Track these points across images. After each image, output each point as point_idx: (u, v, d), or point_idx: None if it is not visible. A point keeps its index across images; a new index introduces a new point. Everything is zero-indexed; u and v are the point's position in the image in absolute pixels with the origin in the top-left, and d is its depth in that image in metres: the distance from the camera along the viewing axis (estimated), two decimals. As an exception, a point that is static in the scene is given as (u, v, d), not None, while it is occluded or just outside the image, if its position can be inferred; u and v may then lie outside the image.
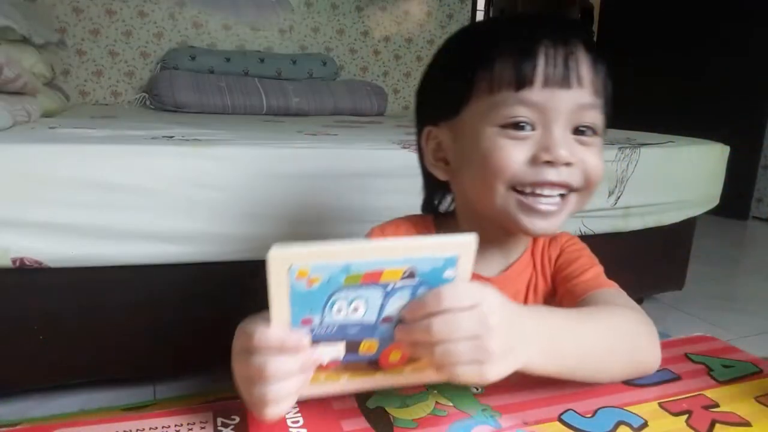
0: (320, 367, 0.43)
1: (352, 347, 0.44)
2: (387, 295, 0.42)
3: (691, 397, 0.51)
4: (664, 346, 0.61)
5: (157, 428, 0.44)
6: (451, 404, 0.48)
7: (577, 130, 0.58)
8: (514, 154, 0.56)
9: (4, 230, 0.96)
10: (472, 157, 0.59)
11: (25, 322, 1.06)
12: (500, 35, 0.59)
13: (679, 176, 1.61)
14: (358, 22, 3.21)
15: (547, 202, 0.58)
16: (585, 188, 0.61)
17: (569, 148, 0.56)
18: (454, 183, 0.66)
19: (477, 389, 0.51)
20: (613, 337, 0.53)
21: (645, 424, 0.46)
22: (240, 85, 2.66)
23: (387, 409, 0.47)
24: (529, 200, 0.57)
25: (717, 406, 0.49)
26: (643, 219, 1.57)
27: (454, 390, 0.51)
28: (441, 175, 0.66)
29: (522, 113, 0.56)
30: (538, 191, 0.57)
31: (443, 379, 0.44)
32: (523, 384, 0.52)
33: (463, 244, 0.41)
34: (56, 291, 1.07)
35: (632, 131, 1.90)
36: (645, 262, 1.64)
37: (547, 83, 0.55)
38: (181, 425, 0.44)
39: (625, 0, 3.97)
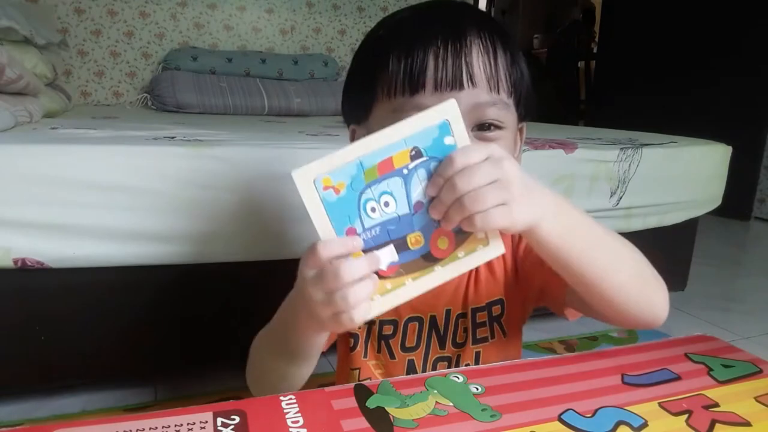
0: (382, 276, 0.47)
1: (401, 246, 0.47)
2: (406, 180, 0.46)
3: (691, 397, 0.51)
4: (664, 346, 0.61)
5: (157, 428, 0.44)
6: (451, 404, 0.48)
7: (482, 126, 0.58)
8: None
9: (6, 230, 0.96)
10: None
11: (26, 323, 1.07)
12: (394, 38, 0.59)
13: (681, 177, 1.61)
14: (360, 22, 3.21)
15: None
16: None
17: None
18: None
19: (477, 389, 0.51)
20: (622, 246, 0.55)
21: (645, 424, 0.46)
22: (241, 85, 2.67)
23: (387, 409, 0.47)
24: None
25: (717, 406, 0.49)
26: (645, 219, 1.57)
27: (454, 390, 0.51)
28: None
29: None
30: None
31: (497, 248, 0.48)
32: (523, 384, 0.52)
33: (446, 107, 0.45)
34: (57, 291, 1.07)
35: (634, 131, 1.90)
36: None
37: (438, 87, 0.56)
38: (181, 425, 0.44)
39: (626, 0, 3.97)
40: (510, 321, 0.71)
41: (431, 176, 0.46)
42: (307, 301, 0.46)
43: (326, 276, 0.44)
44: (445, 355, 0.69)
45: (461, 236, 0.49)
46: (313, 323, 0.49)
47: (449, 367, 0.69)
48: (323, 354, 0.76)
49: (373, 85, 0.59)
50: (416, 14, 0.61)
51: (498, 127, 0.59)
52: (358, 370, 0.70)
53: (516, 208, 0.45)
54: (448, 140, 0.46)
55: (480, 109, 0.57)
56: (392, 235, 0.47)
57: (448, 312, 0.69)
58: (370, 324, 0.70)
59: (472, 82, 0.56)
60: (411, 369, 0.69)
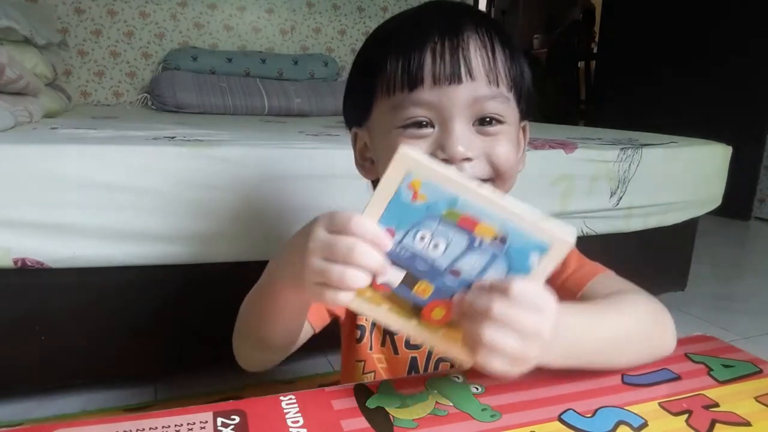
0: (373, 286, 0.44)
1: (408, 281, 0.45)
2: (469, 248, 0.43)
3: (691, 397, 0.51)
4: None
5: (157, 428, 0.44)
6: (451, 404, 0.48)
7: (483, 121, 0.58)
8: None
9: (6, 230, 0.96)
10: (384, 158, 0.60)
11: (26, 323, 1.07)
12: (393, 36, 0.60)
13: (681, 177, 1.61)
14: (360, 22, 3.21)
15: None
16: (497, 177, 0.60)
17: (469, 142, 0.56)
18: None
19: (477, 389, 0.51)
20: (631, 326, 0.55)
21: (645, 424, 0.46)
22: (241, 85, 2.67)
23: (387, 409, 0.47)
24: None
25: (717, 406, 0.49)
26: (645, 219, 1.57)
27: (454, 390, 0.51)
28: (366, 175, 0.67)
29: (417, 113, 0.57)
30: None
31: (464, 361, 0.45)
32: (523, 384, 0.52)
33: (561, 238, 0.41)
34: (58, 291, 1.07)
35: (634, 131, 1.90)
36: (647, 263, 1.64)
37: (436, 81, 0.56)
38: (181, 425, 0.44)
39: (626, 0, 3.97)
40: None
41: (487, 265, 0.43)
42: (302, 260, 0.44)
43: (338, 245, 0.42)
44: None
45: (455, 324, 0.46)
46: (293, 285, 0.48)
47: (452, 368, 0.69)
48: (323, 354, 0.76)
49: (372, 85, 0.60)
50: (413, 14, 0.62)
51: (499, 122, 0.59)
52: (363, 363, 0.70)
53: (519, 367, 0.43)
54: (533, 259, 0.42)
55: (480, 103, 0.57)
56: (412, 270, 0.44)
57: None
58: None
59: (470, 76, 0.56)
60: (413, 366, 0.69)
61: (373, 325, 0.70)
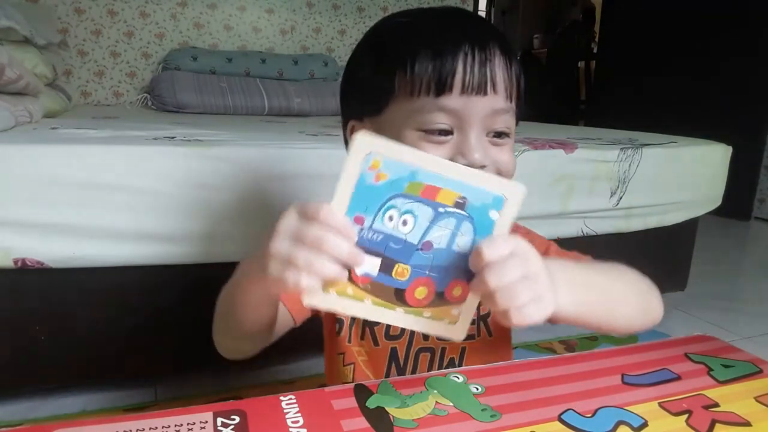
0: (350, 280, 0.46)
1: (386, 267, 0.46)
2: (436, 218, 0.45)
3: (691, 397, 0.51)
4: (664, 346, 0.61)
5: (157, 428, 0.44)
6: (451, 404, 0.48)
7: (493, 135, 0.60)
8: None
9: (6, 231, 0.97)
10: None
11: (26, 323, 1.07)
12: (420, 37, 0.60)
13: (681, 177, 1.61)
14: (360, 22, 3.21)
15: None
16: None
17: (484, 150, 0.59)
18: None
19: (477, 389, 0.51)
20: (629, 284, 0.60)
21: (645, 424, 0.46)
22: (241, 85, 2.66)
23: (387, 409, 0.47)
24: None
25: (717, 406, 0.49)
26: (645, 219, 1.57)
27: (454, 390, 0.51)
28: None
29: (441, 119, 0.58)
30: None
31: (456, 335, 0.49)
32: (523, 384, 0.52)
33: (514, 189, 0.45)
34: (58, 291, 1.07)
35: (634, 131, 1.90)
36: (647, 263, 1.62)
37: (465, 90, 0.57)
38: (181, 425, 0.44)
39: (626, 0, 3.97)
40: (496, 322, 0.71)
41: (455, 232, 0.46)
42: (268, 248, 0.44)
43: (307, 232, 0.42)
44: (429, 346, 0.70)
45: (439, 300, 0.48)
46: (259, 277, 0.48)
47: (432, 359, 0.69)
48: (323, 354, 0.76)
49: (391, 82, 0.59)
50: (439, 18, 0.62)
51: (507, 135, 0.62)
52: (342, 355, 0.70)
53: (546, 303, 0.46)
54: (492, 214, 0.46)
55: (496, 116, 0.59)
56: (387, 252, 0.45)
57: None
58: None
59: (494, 89, 0.58)
60: (393, 357, 0.69)
61: (353, 318, 0.70)
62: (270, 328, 0.62)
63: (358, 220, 0.44)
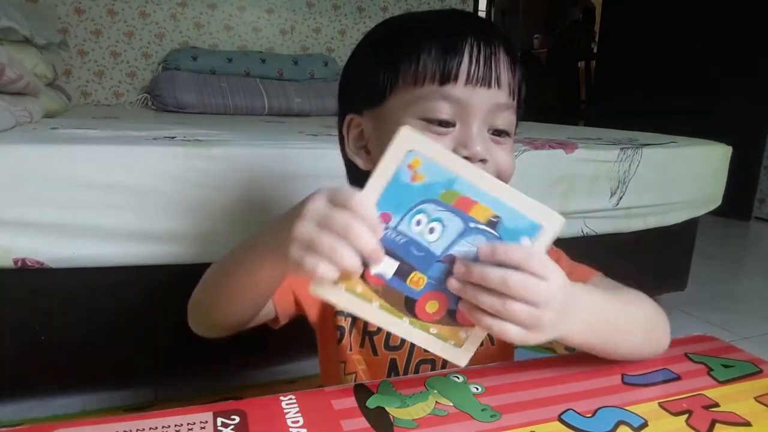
0: (362, 278, 0.44)
1: (402, 272, 0.44)
2: (464, 232, 0.43)
3: (691, 397, 0.51)
4: (665, 346, 0.61)
5: (157, 428, 0.44)
6: (451, 404, 0.48)
7: (493, 131, 0.60)
8: None
9: (6, 231, 0.96)
10: None
11: (26, 323, 1.07)
12: (427, 28, 0.60)
13: (681, 177, 1.61)
14: (360, 22, 3.21)
15: None
16: None
17: (485, 145, 0.58)
18: None
19: (477, 389, 0.51)
20: (638, 312, 0.57)
21: (645, 424, 0.46)
22: (241, 85, 2.66)
23: (387, 409, 0.47)
24: None
25: (717, 406, 0.49)
26: (645, 219, 1.57)
27: (454, 390, 0.51)
28: (363, 164, 0.66)
29: (444, 109, 0.57)
30: None
31: (459, 359, 0.47)
32: (523, 384, 0.52)
33: (553, 219, 0.43)
34: (58, 291, 1.07)
35: (634, 131, 1.90)
36: (647, 263, 1.64)
37: (470, 80, 0.57)
38: (181, 425, 0.44)
39: (626, 0, 3.97)
40: None
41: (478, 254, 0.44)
42: (290, 227, 0.43)
43: (336, 218, 0.41)
44: (430, 358, 0.68)
45: (449, 318, 0.46)
46: (272, 253, 0.47)
47: (432, 370, 0.68)
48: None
49: (395, 71, 0.59)
50: (441, 15, 0.63)
51: (507, 134, 0.61)
52: (344, 364, 0.69)
53: (533, 335, 0.45)
54: (524, 241, 0.44)
55: (498, 111, 0.59)
56: (407, 257, 0.44)
57: None
58: (354, 317, 0.69)
59: (498, 84, 0.58)
60: (393, 368, 0.68)
61: (352, 325, 0.69)
62: (257, 312, 0.62)
63: (385, 217, 0.43)
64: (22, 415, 1.12)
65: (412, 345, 0.68)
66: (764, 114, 3.21)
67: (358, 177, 0.72)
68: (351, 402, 0.48)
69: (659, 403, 0.49)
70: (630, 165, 1.49)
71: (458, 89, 0.57)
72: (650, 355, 0.58)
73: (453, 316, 0.46)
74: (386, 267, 0.44)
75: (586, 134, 1.83)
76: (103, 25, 2.74)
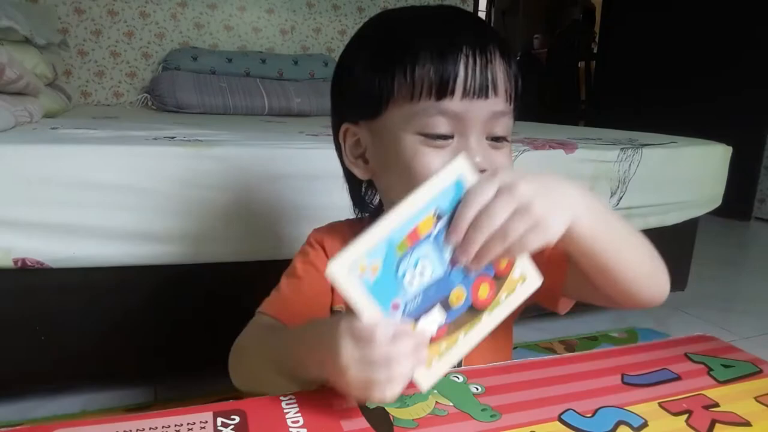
0: (435, 339, 0.46)
1: (446, 305, 0.47)
2: (436, 242, 0.45)
3: (691, 397, 0.51)
4: (664, 346, 0.61)
5: (157, 428, 0.44)
6: (451, 404, 0.48)
7: (491, 138, 0.59)
8: (435, 162, 0.56)
9: (6, 231, 0.97)
10: (394, 162, 0.59)
11: (26, 323, 1.07)
12: (420, 39, 0.58)
13: (681, 177, 1.61)
14: (360, 22, 3.19)
15: None
16: None
17: (484, 154, 0.58)
18: (377, 182, 0.67)
19: (477, 389, 0.51)
20: (644, 241, 0.57)
21: (645, 424, 0.46)
22: (241, 85, 2.66)
23: (387, 409, 0.47)
24: None
25: (717, 406, 0.49)
26: (645, 219, 1.57)
27: (454, 390, 0.51)
28: (361, 174, 0.66)
29: (442, 123, 0.57)
30: None
31: (531, 282, 0.50)
32: (523, 384, 0.52)
33: (456, 165, 0.45)
34: (58, 291, 1.07)
35: (634, 132, 1.90)
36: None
37: (467, 93, 0.56)
38: (181, 425, 0.44)
39: (626, 0, 3.97)
40: None
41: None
42: (343, 382, 0.44)
43: (373, 356, 0.42)
44: None
45: (499, 280, 0.49)
46: (321, 373, 0.47)
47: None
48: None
49: (391, 83, 0.58)
50: (436, 18, 0.61)
51: (505, 139, 0.61)
52: None
53: (545, 225, 0.45)
54: (466, 194, 0.46)
55: (496, 119, 0.58)
56: (435, 298, 0.46)
57: None
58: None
59: (495, 92, 0.58)
60: None
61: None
62: None
63: (395, 306, 0.44)
64: (22, 415, 1.11)
65: None
66: (764, 114, 3.21)
67: (356, 183, 0.72)
68: (351, 402, 0.48)
69: (659, 403, 0.49)
70: (630, 165, 1.49)
71: (455, 103, 0.56)
72: (650, 296, 0.58)
73: (497, 276, 0.49)
74: (436, 318, 0.46)
75: (586, 134, 1.83)
76: (103, 25, 2.74)
